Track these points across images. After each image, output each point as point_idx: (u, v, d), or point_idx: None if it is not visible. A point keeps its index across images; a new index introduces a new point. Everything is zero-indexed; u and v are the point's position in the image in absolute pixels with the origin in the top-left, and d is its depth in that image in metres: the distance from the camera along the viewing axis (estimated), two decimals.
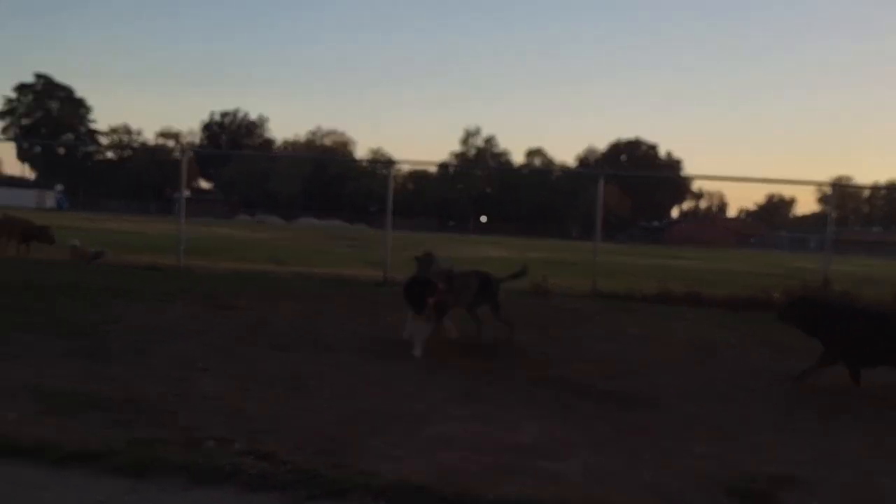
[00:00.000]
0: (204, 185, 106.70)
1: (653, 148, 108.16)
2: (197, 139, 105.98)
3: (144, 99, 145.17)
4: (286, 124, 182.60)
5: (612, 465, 4.17)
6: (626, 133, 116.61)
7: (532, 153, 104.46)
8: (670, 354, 7.84)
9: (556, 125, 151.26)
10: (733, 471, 4.14)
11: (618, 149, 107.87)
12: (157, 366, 6.01)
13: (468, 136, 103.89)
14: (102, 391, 5.06)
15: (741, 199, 65.61)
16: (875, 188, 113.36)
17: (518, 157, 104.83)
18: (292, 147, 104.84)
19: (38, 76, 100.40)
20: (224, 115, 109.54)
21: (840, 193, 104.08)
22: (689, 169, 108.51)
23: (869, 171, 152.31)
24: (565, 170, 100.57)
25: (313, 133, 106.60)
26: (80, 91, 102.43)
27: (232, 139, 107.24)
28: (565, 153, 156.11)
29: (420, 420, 4.91)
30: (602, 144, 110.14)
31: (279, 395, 5.36)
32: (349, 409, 5.09)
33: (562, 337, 8.62)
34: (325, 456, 4.03)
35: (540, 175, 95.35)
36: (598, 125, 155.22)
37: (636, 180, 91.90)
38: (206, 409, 4.87)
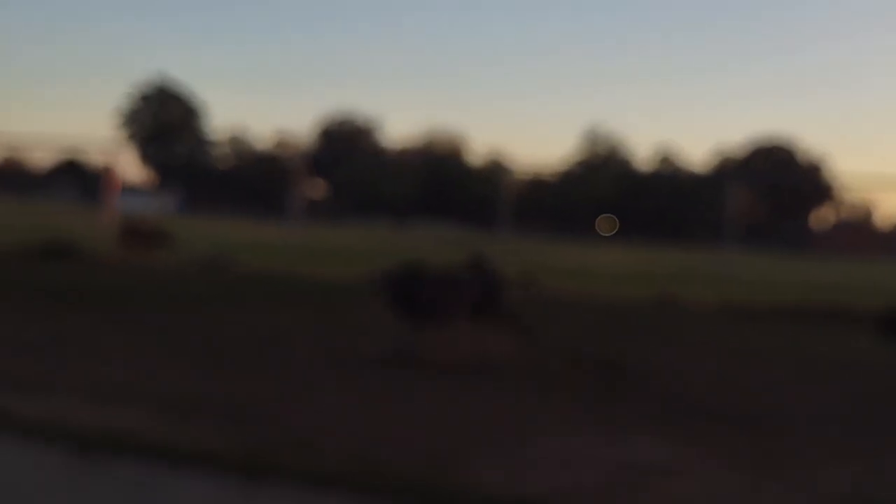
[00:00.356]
0: (317, 189, 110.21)
1: (796, 146, 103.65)
2: (310, 143, 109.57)
3: (260, 103, 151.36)
4: (400, 125, 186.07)
5: (736, 486, 4.11)
6: (766, 131, 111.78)
7: (660, 156, 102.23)
8: (807, 374, 7.56)
9: (687, 126, 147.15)
10: (865, 498, 4.00)
11: (755, 151, 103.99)
12: (271, 372, 6.34)
13: (591, 139, 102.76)
14: (217, 394, 5.40)
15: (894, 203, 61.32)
16: None
17: (645, 161, 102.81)
18: (406, 150, 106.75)
19: (158, 86, 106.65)
20: (338, 120, 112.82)
21: None
22: (835, 171, 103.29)
23: None
24: (693, 175, 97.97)
25: (428, 136, 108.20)
26: (199, 98, 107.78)
27: (346, 143, 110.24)
28: (696, 156, 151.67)
29: (533, 436, 4.97)
30: (737, 146, 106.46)
31: (388, 405, 5.55)
32: (460, 421, 5.21)
33: (688, 352, 8.47)
34: (435, 467, 4.16)
35: (668, 180, 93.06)
36: (732, 125, 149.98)
37: (776, 184, 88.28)
38: (318, 416, 5.11)
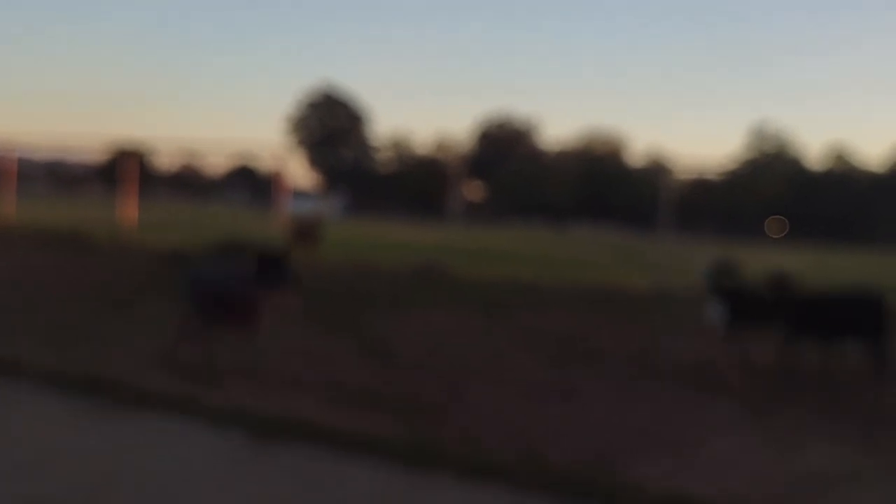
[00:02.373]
0: (476, 191, 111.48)
1: None
2: (470, 146, 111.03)
3: (422, 108, 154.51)
4: (557, 126, 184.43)
5: None
6: None
7: (833, 154, 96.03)
8: None
9: (864, 119, 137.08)
10: None
11: None
12: (437, 369, 6.56)
13: (758, 137, 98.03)
14: (387, 389, 5.66)
15: None
16: None
17: (817, 160, 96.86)
18: (565, 152, 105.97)
19: (325, 93, 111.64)
20: (496, 123, 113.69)
21: None
22: None
23: None
24: (872, 174, 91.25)
25: (586, 137, 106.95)
26: (363, 103, 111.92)
27: (504, 145, 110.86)
28: (872, 156, 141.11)
29: (697, 440, 4.89)
30: None
31: (551, 404, 5.61)
32: (620, 423, 5.20)
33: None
34: (597, 466, 4.19)
35: (842, 179, 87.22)
36: None
37: None
38: (481, 412, 5.25)
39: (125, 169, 18.16)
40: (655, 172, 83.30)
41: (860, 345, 6.77)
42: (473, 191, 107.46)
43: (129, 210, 17.75)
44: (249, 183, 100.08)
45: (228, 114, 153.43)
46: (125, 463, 3.99)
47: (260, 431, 4.44)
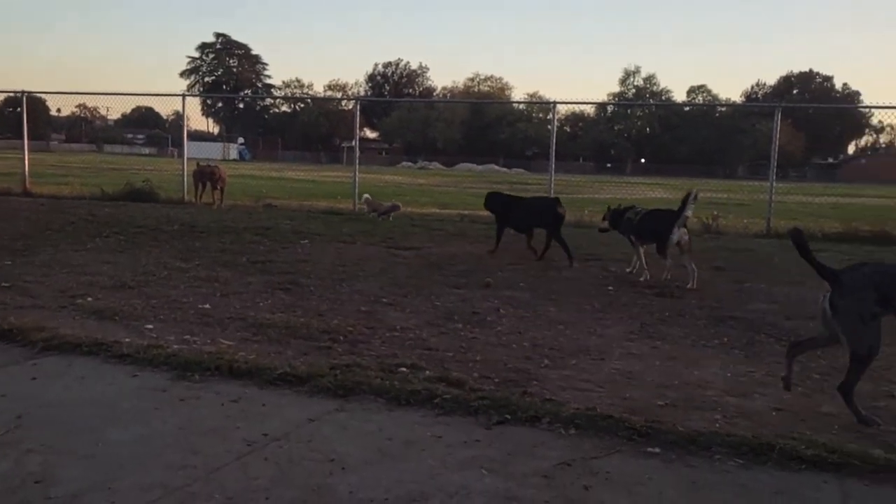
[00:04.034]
0: (369, 134, 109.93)
1: (828, 80, 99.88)
2: (362, 90, 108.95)
3: (312, 55, 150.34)
4: (445, 72, 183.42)
5: (804, 404, 3.99)
6: (798, 66, 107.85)
7: (694, 90, 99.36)
8: None
9: (720, 60, 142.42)
10: None
11: (789, 82, 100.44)
12: (347, 300, 6.34)
13: (627, 76, 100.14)
14: (302, 322, 5.41)
15: None
16: None
17: (679, 96, 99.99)
18: (451, 94, 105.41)
19: (218, 35, 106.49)
20: (386, 65, 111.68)
21: None
22: (868, 101, 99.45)
23: None
24: (734, 105, 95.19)
25: (471, 80, 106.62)
26: (255, 49, 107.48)
27: (395, 89, 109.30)
28: (730, 90, 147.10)
29: (599, 355, 4.90)
30: (771, 79, 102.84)
31: (459, 328, 5.51)
32: (528, 343, 5.15)
33: (737, 277, 8.28)
34: (512, 385, 4.12)
35: (703, 112, 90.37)
36: (765, 58, 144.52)
37: (810, 115, 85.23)
38: (395, 339, 5.10)
39: (18, 117, 16.71)
40: (536, 110, 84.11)
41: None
42: (366, 133, 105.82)
43: (26, 156, 16.42)
44: (149, 129, 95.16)
45: (127, 61, 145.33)
46: (43, 401, 3.65)
47: (181, 370, 4.14)
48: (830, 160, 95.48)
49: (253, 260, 8.27)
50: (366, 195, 14.36)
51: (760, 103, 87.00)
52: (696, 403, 3.93)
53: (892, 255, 10.23)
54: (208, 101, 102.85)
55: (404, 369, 4.30)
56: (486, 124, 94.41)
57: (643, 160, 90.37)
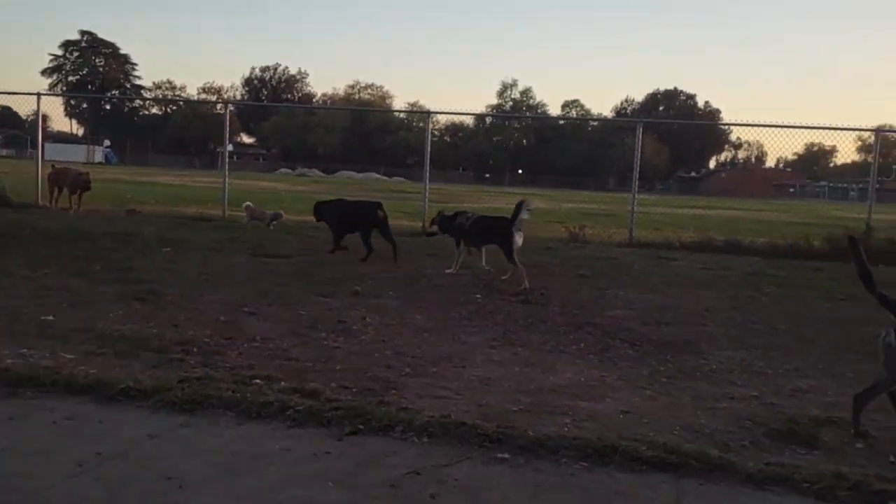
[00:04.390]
0: (246, 139, 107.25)
1: (691, 97, 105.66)
2: (238, 94, 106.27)
3: (187, 57, 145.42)
4: (326, 79, 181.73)
5: (651, 406, 4.15)
6: (665, 84, 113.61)
7: (569, 105, 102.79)
8: (710, 301, 7.72)
9: (593, 78, 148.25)
10: (775, 413, 4.09)
11: (655, 99, 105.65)
12: (207, 310, 6.10)
13: (505, 89, 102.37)
14: (154, 333, 5.16)
15: (781, 149, 64.66)
16: None
17: (555, 110, 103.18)
18: (331, 101, 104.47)
19: (83, 32, 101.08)
20: (264, 69, 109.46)
21: (883, 141, 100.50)
22: (727, 118, 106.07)
23: None
24: (602, 119, 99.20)
25: (352, 87, 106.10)
26: (124, 49, 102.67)
27: (272, 94, 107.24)
28: (602, 105, 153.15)
29: (460, 362, 4.93)
30: (640, 95, 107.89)
31: (322, 337, 5.41)
32: (391, 351, 5.12)
33: (599, 284, 8.55)
34: (369, 394, 4.07)
35: (576, 126, 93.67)
36: (635, 76, 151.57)
37: (674, 130, 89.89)
38: (254, 350, 4.94)
39: None
40: (416, 119, 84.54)
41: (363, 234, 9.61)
42: (243, 138, 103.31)
43: None
44: (8, 128, 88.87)
45: None
46: None
47: (13, 386, 3.85)
48: (693, 174, 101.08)
49: (108, 268, 7.85)
50: (247, 203, 13.94)
51: (625, 119, 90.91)
52: (549, 408, 4.01)
53: (742, 264, 10.89)
54: (72, 102, 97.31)
55: (259, 381, 4.16)
56: (367, 132, 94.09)
57: (521, 171, 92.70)
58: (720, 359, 5.32)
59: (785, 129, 14.35)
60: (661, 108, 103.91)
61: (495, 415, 3.82)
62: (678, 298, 7.80)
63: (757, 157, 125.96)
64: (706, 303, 7.61)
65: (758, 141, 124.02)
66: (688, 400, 4.29)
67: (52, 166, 14.99)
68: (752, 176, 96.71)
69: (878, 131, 14.07)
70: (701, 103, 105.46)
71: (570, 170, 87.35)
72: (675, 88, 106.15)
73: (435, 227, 9.51)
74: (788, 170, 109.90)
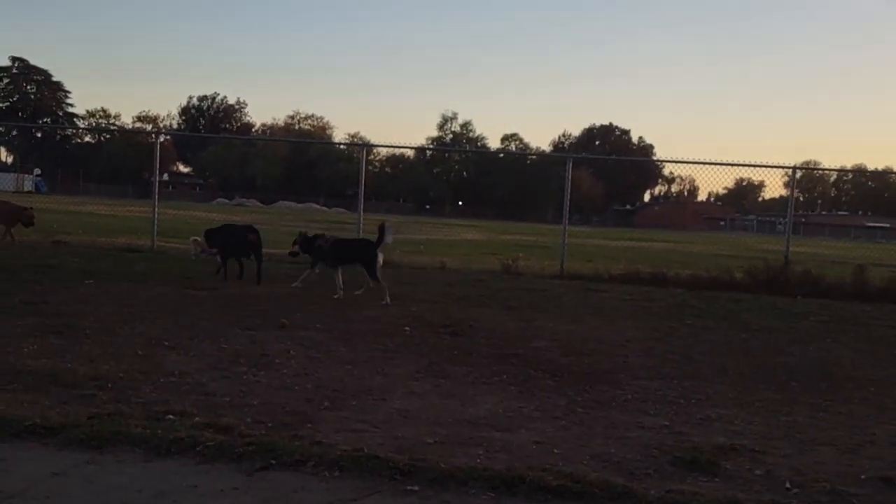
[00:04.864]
0: (183, 168, 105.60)
1: (626, 133, 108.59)
2: (175, 123, 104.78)
3: (122, 86, 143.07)
4: (264, 110, 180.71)
5: (564, 436, 4.23)
6: (601, 119, 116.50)
7: (508, 138, 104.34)
8: (632, 332, 7.91)
9: (532, 111, 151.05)
10: (682, 442, 4.22)
11: (591, 133, 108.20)
12: (125, 344, 5.98)
13: (445, 122, 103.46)
14: (68, 368, 5.04)
15: (712, 184, 67.20)
16: (841, 171, 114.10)
17: (494, 143, 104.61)
18: (270, 131, 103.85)
19: (14, 59, 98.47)
20: (202, 99, 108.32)
21: (806, 177, 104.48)
22: (660, 154, 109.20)
23: (838, 156, 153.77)
24: (537, 154, 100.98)
25: (291, 117, 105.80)
26: (57, 76, 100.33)
27: (210, 123, 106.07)
28: (541, 139, 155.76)
29: (381, 395, 4.94)
30: (577, 130, 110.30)
31: (244, 371, 5.36)
32: (312, 385, 5.10)
33: (526, 316, 8.67)
34: (284, 429, 4.06)
35: (514, 159, 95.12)
36: (572, 111, 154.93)
37: (609, 165, 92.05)
38: (171, 385, 4.87)
39: None
40: (355, 150, 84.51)
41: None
42: (179, 168, 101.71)
43: None
44: None
45: None
46: None
47: None
48: (628, 206, 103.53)
49: (26, 301, 7.63)
50: (193, 237, 13.44)
51: (556, 154, 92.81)
52: (464, 440, 4.06)
53: (666, 295, 11.18)
54: (1, 129, 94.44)
55: (172, 416, 4.11)
56: (307, 162, 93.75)
57: (461, 202, 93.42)
58: (636, 389, 5.46)
59: (713, 165, 14.82)
60: (596, 143, 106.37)
61: (409, 447, 3.85)
62: (601, 329, 7.97)
63: (689, 191, 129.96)
64: (628, 334, 7.80)
65: (690, 175, 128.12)
66: (600, 429, 4.39)
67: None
68: (684, 209, 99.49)
69: (796, 168, 14.70)
70: (636, 138, 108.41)
71: (509, 201, 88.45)
72: (611, 124, 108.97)
73: (296, 248, 10.22)
74: (719, 203, 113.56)
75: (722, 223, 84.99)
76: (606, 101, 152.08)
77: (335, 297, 9.28)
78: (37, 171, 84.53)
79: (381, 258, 9.51)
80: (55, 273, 9.92)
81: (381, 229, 9.50)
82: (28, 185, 78.10)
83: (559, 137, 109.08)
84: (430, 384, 5.33)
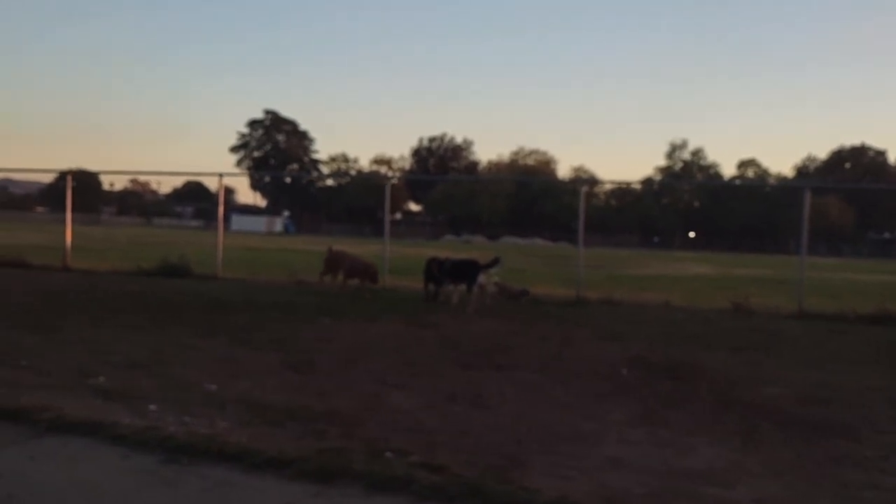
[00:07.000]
0: (414, 207, 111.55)
1: (881, 154, 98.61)
2: (407, 164, 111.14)
3: (360, 128, 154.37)
4: (490, 146, 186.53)
5: (787, 495, 3.98)
6: (851, 139, 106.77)
7: (744, 164, 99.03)
8: (877, 381, 7.20)
9: (772, 134, 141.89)
10: None
11: (840, 156, 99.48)
12: (355, 380, 6.49)
13: (674, 150, 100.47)
14: (304, 403, 5.56)
15: None
16: None
17: (729, 170, 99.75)
18: (496, 168, 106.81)
19: (267, 112, 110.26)
20: (432, 139, 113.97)
21: None
22: None
23: None
24: (774, 183, 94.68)
25: (516, 153, 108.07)
26: (303, 124, 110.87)
27: (439, 163, 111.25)
28: (782, 163, 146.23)
29: (594, 441, 4.94)
30: (823, 153, 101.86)
31: (460, 411, 5.61)
32: (526, 427, 5.22)
33: (755, 359, 8.21)
34: (495, 471, 4.19)
35: (750, 187, 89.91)
36: (818, 131, 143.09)
37: (862, 190, 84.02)
38: (393, 422, 5.21)
39: (67, 191, 17.48)
40: (578, 185, 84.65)
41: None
42: (410, 206, 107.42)
43: (68, 232, 17.19)
44: (199, 202, 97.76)
45: (177, 135, 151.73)
46: (34, 481, 3.84)
47: (172, 452, 4.31)
48: (887, 235, 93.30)
49: (272, 338, 8.50)
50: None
51: (791, 182, 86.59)
52: (676, 493, 3.95)
53: None
54: (255, 176, 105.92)
55: (390, 454, 4.41)
56: (531, 197, 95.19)
57: (691, 233, 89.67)
58: (877, 444, 4.99)
59: None
60: (846, 165, 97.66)
61: (617, 498, 3.83)
62: (840, 376, 7.34)
63: None
64: (873, 382, 7.11)
65: None
66: (829, 488, 4.07)
67: (330, 248, 15.00)
68: None
69: None
70: (893, 159, 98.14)
71: (745, 231, 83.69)
72: (862, 144, 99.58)
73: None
74: None
75: None
76: (857, 120, 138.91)
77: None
78: (286, 213, 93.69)
79: (482, 279, 12.09)
80: (299, 311, 10.93)
81: (495, 260, 12.44)
82: (278, 226, 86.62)
83: (803, 161, 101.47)
84: (645, 431, 5.24)
